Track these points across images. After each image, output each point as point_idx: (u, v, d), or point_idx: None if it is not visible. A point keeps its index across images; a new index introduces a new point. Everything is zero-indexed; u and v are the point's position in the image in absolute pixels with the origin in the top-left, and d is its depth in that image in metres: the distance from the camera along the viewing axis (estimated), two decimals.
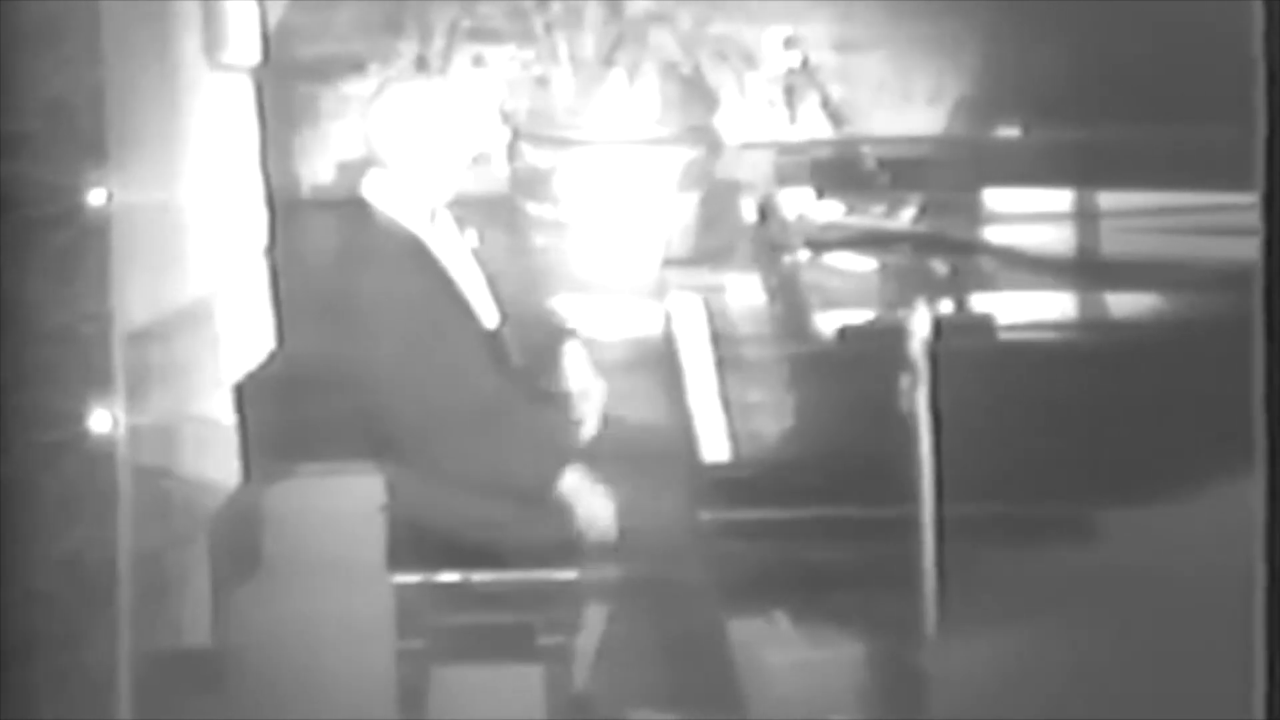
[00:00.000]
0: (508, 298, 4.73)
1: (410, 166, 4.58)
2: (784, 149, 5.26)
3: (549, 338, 4.78)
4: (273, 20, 5.11)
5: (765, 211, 5.17)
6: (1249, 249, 4.18)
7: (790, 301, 4.89)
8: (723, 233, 5.32)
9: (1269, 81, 4.12)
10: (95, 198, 4.12)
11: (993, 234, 5.02)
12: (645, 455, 4.63)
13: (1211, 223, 4.67)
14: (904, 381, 4.42)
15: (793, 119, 5.34)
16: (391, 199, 4.59)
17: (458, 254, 4.67)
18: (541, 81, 5.33)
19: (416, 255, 4.58)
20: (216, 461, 4.89)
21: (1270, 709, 4.18)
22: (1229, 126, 4.25)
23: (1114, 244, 4.99)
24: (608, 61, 5.32)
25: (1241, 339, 4.17)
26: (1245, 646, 4.19)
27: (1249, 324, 4.16)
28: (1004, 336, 4.71)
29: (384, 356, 4.50)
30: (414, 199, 4.60)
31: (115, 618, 4.15)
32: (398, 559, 4.58)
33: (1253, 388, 4.15)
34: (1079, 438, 4.53)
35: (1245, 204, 4.19)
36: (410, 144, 4.57)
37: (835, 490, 4.49)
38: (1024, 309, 4.80)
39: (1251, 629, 4.17)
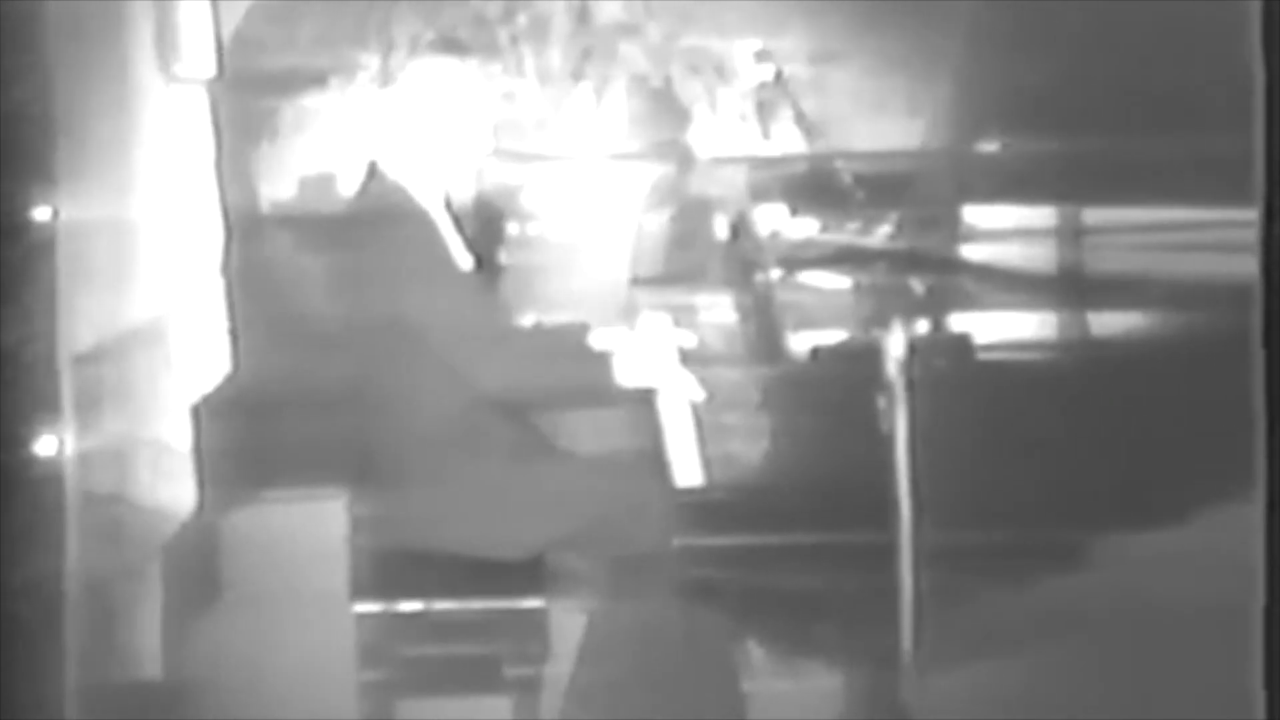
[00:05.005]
0: None
1: (426, 148, 4.49)
2: (757, 164, 5.21)
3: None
4: (228, 32, 5.04)
5: (738, 229, 5.12)
6: (1248, 265, 4.13)
7: (763, 321, 4.84)
8: (694, 251, 5.26)
9: (1267, 95, 4.08)
10: (40, 214, 4.06)
11: (970, 251, 4.99)
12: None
13: (1210, 239, 4.63)
14: (880, 403, 4.40)
15: (765, 134, 5.29)
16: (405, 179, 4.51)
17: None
18: (507, 96, 5.25)
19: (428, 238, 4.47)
20: (171, 487, 4.84)
21: None
22: (1227, 141, 4.22)
23: (1096, 261, 4.98)
24: (575, 75, 5.27)
25: (1240, 356, 4.12)
26: (1244, 671, 4.13)
27: (1247, 341, 4.11)
28: (982, 356, 4.68)
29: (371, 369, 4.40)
30: (428, 182, 4.51)
31: (63, 649, 4.08)
32: (360, 588, 4.49)
33: (1252, 406, 4.09)
34: (1062, 461, 4.51)
35: (1244, 220, 4.15)
36: (428, 123, 4.49)
37: (811, 515, 4.48)
38: (1003, 328, 4.78)
39: (1250, 652, 4.11)
